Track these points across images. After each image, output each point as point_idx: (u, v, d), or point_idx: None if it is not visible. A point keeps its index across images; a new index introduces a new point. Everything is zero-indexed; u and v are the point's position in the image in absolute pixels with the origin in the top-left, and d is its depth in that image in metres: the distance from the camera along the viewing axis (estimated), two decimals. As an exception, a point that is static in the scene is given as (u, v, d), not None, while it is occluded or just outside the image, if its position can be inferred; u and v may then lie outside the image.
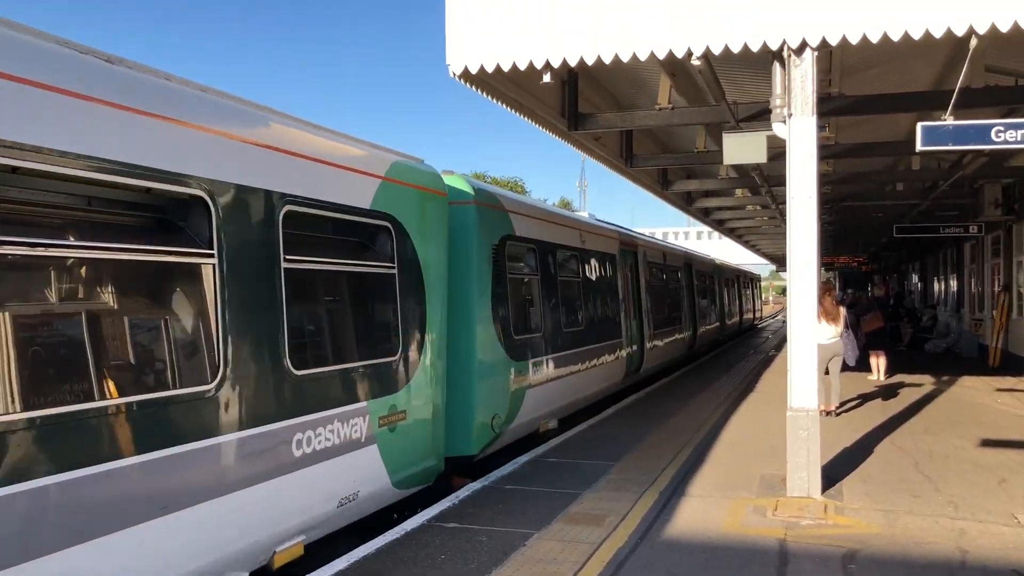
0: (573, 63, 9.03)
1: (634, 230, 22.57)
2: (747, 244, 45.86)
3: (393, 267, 8.20)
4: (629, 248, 18.65)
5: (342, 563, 6.77)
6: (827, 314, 13.52)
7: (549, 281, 13.04)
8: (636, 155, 17.00)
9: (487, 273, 10.66)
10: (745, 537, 7.38)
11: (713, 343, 30.64)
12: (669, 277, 22.82)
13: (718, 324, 31.53)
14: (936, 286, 36.39)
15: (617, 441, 11.90)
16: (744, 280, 43.99)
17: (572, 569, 6.52)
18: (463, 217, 10.30)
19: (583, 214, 19.12)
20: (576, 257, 14.56)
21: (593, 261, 15.55)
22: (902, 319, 27.97)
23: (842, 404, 14.48)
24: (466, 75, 9.47)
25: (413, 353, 8.43)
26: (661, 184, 20.99)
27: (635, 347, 18.06)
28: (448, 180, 10.05)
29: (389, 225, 8.16)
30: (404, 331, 8.31)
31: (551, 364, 12.61)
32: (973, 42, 8.25)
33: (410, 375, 8.33)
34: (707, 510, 8.24)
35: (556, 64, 9.05)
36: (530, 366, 11.72)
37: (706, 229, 64.42)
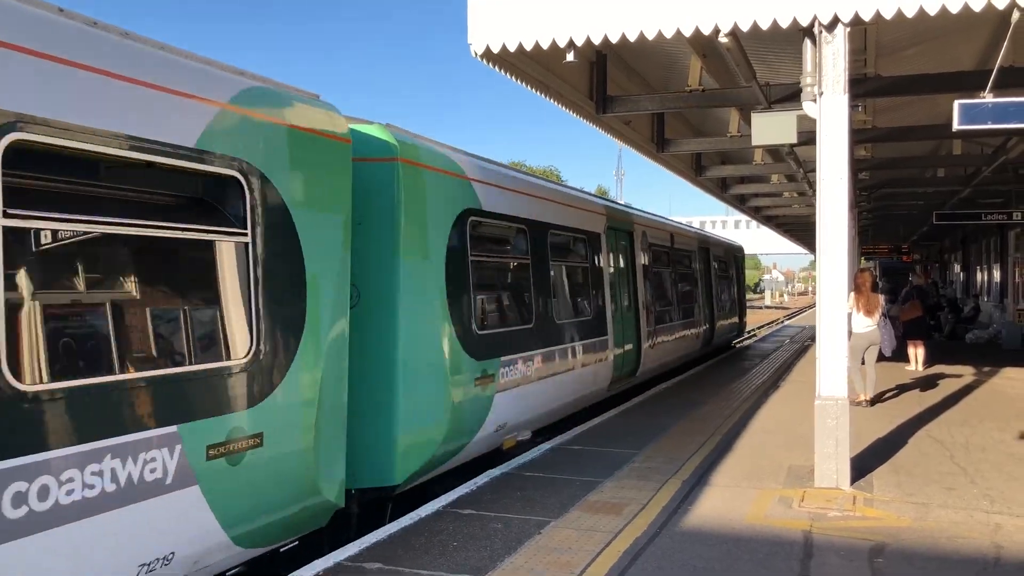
0: (597, 41, 8.81)
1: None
2: (786, 232, 45.23)
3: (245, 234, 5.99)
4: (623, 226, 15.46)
5: (353, 548, 6.66)
6: (865, 303, 13.16)
7: (512, 266, 11.06)
8: (668, 140, 16.72)
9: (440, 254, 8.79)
10: (769, 529, 7.15)
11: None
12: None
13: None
14: (979, 275, 35.59)
15: (642, 430, 11.68)
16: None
17: (586, 559, 6.35)
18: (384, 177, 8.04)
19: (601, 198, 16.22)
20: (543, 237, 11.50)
21: (568, 242, 12.93)
22: (942, 309, 27.33)
23: (878, 395, 14.11)
24: (488, 55, 9.30)
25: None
26: (695, 170, 20.68)
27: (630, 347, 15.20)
28: (364, 128, 8.07)
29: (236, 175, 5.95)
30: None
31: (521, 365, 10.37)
32: (1015, 16, 7.90)
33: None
34: (731, 500, 8.01)
35: (580, 42, 8.84)
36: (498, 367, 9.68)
37: (743, 218, 63.82)
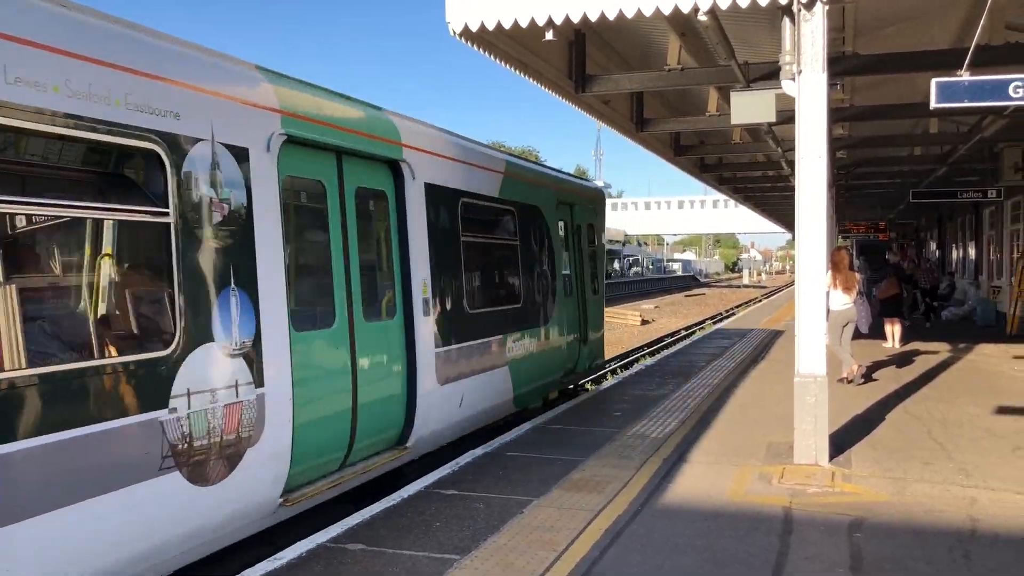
0: (576, 19, 8.78)
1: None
2: (764, 212, 45.46)
3: None
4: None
5: (336, 529, 6.66)
6: (843, 281, 13.25)
7: None
8: (647, 119, 16.69)
9: None
10: (749, 505, 7.21)
11: None
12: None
13: None
14: (954, 253, 35.91)
15: (623, 408, 11.74)
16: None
17: (568, 537, 6.38)
18: None
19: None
20: None
21: None
22: (916, 288, 27.55)
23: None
24: (466, 33, 9.25)
25: None
26: (674, 150, 20.67)
27: None
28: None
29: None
30: None
31: None
32: (991, -6, 7.94)
33: None
34: (712, 477, 8.07)
35: (558, 20, 8.80)
36: None
37: (722, 197, 64.11)
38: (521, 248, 11.61)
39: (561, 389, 13.67)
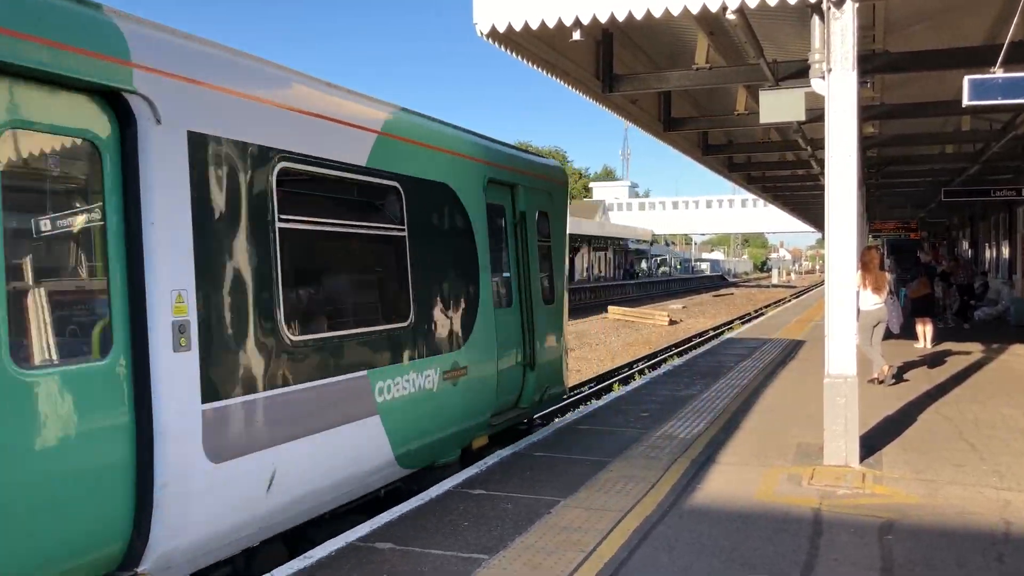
0: (603, 19, 8.78)
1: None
2: (793, 211, 45.13)
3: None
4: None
5: (363, 529, 6.71)
6: (873, 281, 13.13)
7: None
8: (675, 118, 16.64)
9: None
10: (778, 506, 7.17)
11: None
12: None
13: None
14: (987, 252, 35.45)
15: (651, 408, 11.71)
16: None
17: (597, 538, 6.38)
18: None
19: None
20: None
21: None
22: (952, 286, 27.27)
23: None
24: (494, 34, 9.28)
25: None
26: (701, 149, 20.59)
27: None
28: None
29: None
30: None
31: None
32: (1025, -10, 7.83)
33: None
34: (740, 479, 8.03)
35: (586, 21, 8.80)
36: None
37: (751, 197, 63.73)
38: (412, 242, 8.03)
39: (497, 432, 9.96)
